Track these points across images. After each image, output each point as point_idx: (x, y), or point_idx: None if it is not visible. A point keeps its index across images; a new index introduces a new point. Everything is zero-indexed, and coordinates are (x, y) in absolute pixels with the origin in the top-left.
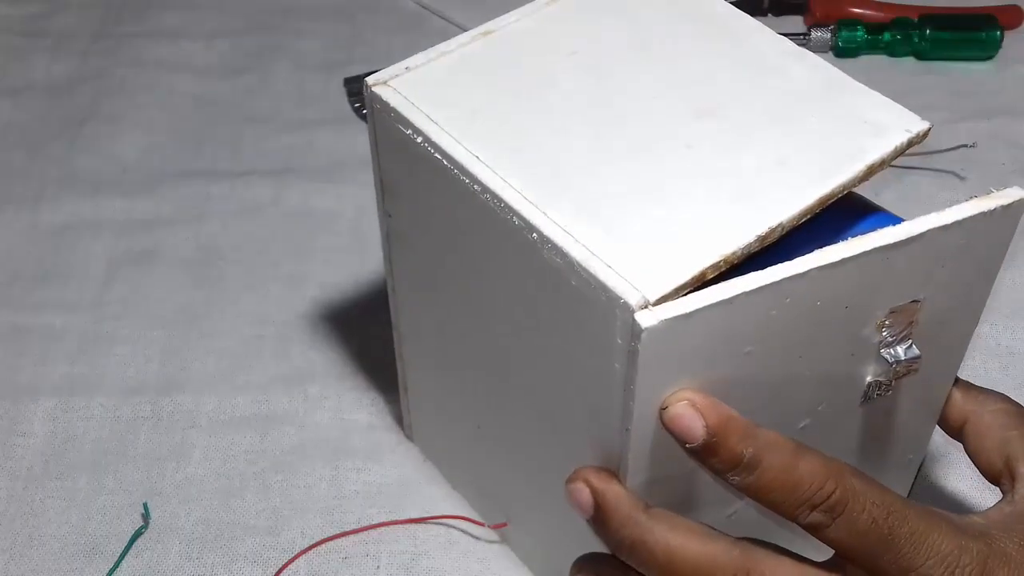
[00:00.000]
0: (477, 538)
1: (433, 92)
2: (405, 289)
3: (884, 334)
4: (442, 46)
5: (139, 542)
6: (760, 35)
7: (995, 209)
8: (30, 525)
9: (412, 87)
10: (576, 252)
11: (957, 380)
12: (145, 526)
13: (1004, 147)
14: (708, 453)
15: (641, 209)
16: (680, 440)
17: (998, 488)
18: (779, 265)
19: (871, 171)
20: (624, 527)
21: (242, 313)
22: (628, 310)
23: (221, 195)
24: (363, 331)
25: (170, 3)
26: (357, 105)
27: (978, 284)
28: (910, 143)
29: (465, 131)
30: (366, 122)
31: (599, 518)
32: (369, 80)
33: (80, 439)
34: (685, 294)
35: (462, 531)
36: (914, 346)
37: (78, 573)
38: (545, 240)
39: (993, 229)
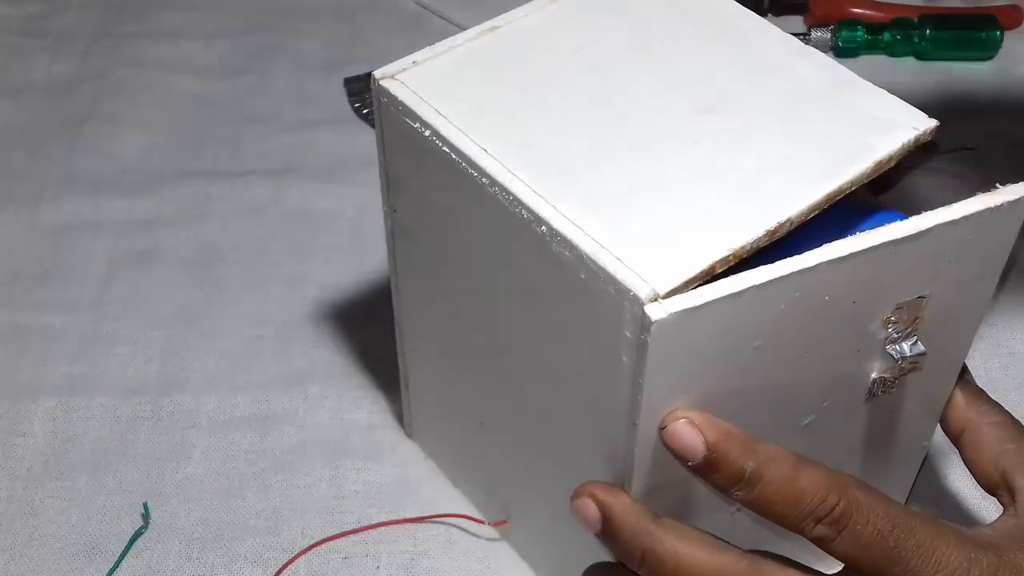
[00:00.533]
0: (477, 537)
1: (440, 86)
2: (409, 285)
3: (890, 330)
4: (448, 41)
5: (139, 542)
6: (767, 33)
7: (1001, 205)
8: (30, 525)
9: (419, 81)
10: (585, 245)
11: (964, 381)
12: (145, 526)
13: (1004, 147)
14: (709, 469)
15: (649, 203)
16: (681, 458)
17: (995, 498)
18: (788, 259)
19: (879, 168)
20: (634, 538)
21: (242, 313)
22: (638, 303)
23: (221, 195)
24: (363, 331)
25: (170, 3)
26: (357, 105)
27: (983, 280)
28: (917, 140)
29: (472, 125)
30: (366, 122)
31: (608, 531)
32: (376, 74)
33: (80, 439)
34: (694, 288)
35: (462, 530)
36: (919, 342)
37: (78, 573)
38: (554, 233)
39: (999, 225)
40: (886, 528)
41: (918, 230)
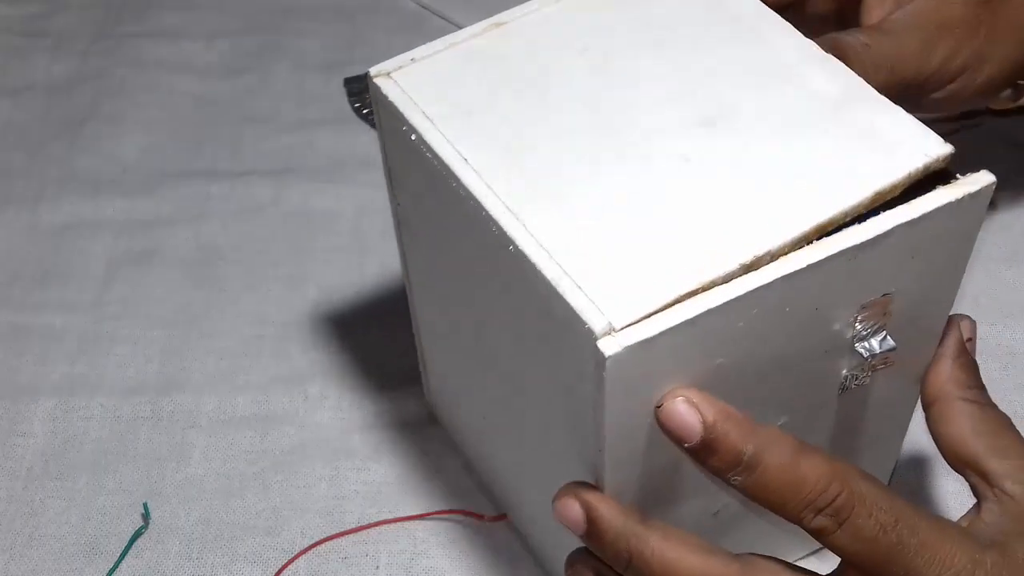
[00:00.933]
0: (477, 536)
1: (433, 86)
2: (416, 276)
3: (858, 328)
4: (450, 37)
5: (139, 542)
6: (785, 37)
7: (963, 198)
8: (30, 525)
9: (413, 80)
10: (549, 270)
11: (960, 351)
12: (145, 526)
13: (1004, 147)
14: (707, 452)
15: (625, 226)
16: (677, 439)
17: (962, 476)
18: (742, 277)
19: (879, 198)
20: (620, 540)
21: (242, 313)
22: (591, 336)
23: (221, 195)
24: (363, 331)
25: (170, 3)
26: (357, 105)
27: (950, 271)
28: (927, 169)
29: (458, 130)
30: (366, 122)
31: (593, 532)
32: (372, 71)
33: (80, 439)
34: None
35: (462, 529)
36: (888, 338)
37: (78, 573)
38: (520, 254)
39: (962, 216)
40: (889, 523)
41: (876, 234)
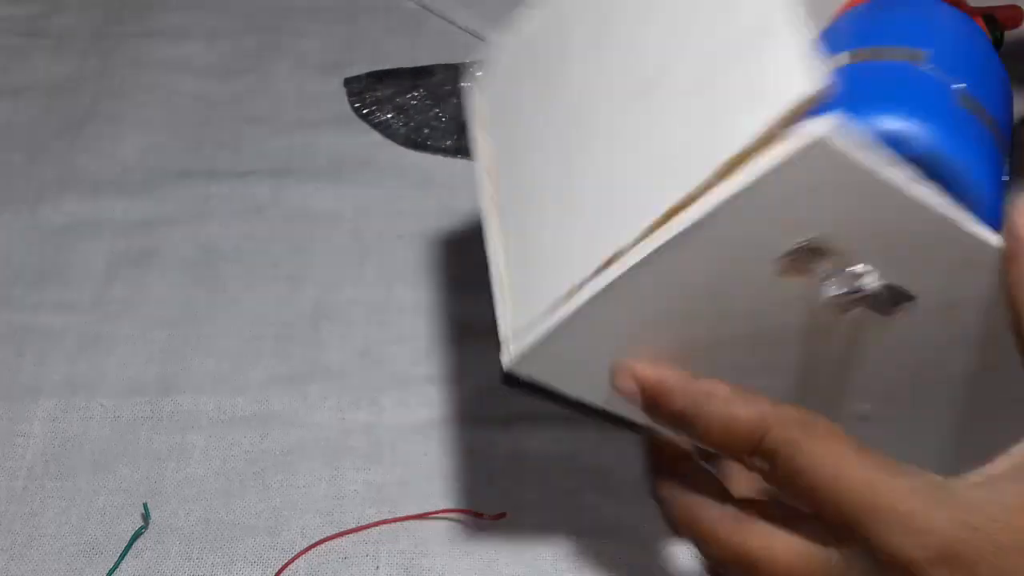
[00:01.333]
0: (477, 535)
1: (500, 88)
2: None
3: (799, 277)
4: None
5: (139, 542)
6: None
7: (792, 155)
8: (30, 525)
9: (489, 83)
10: (495, 267)
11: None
12: (145, 526)
13: None
14: (652, 412)
15: (545, 226)
16: (632, 402)
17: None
18: (602, 273)
19: (732, 165)
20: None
21: (242, 313)
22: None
23: (221, 195)
24: (363, 331)
25: (170, 3)
26: (357, 105)
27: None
28: (783, 120)
29: (496, 136)
30: (366, 122)
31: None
32: (473, 64)
33: (80, 439)
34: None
35: (462, 528)
36: (865, 278)
37: (78, 573)
38: (487, 245)
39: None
40: (821, 473)
41: (699, 217)
